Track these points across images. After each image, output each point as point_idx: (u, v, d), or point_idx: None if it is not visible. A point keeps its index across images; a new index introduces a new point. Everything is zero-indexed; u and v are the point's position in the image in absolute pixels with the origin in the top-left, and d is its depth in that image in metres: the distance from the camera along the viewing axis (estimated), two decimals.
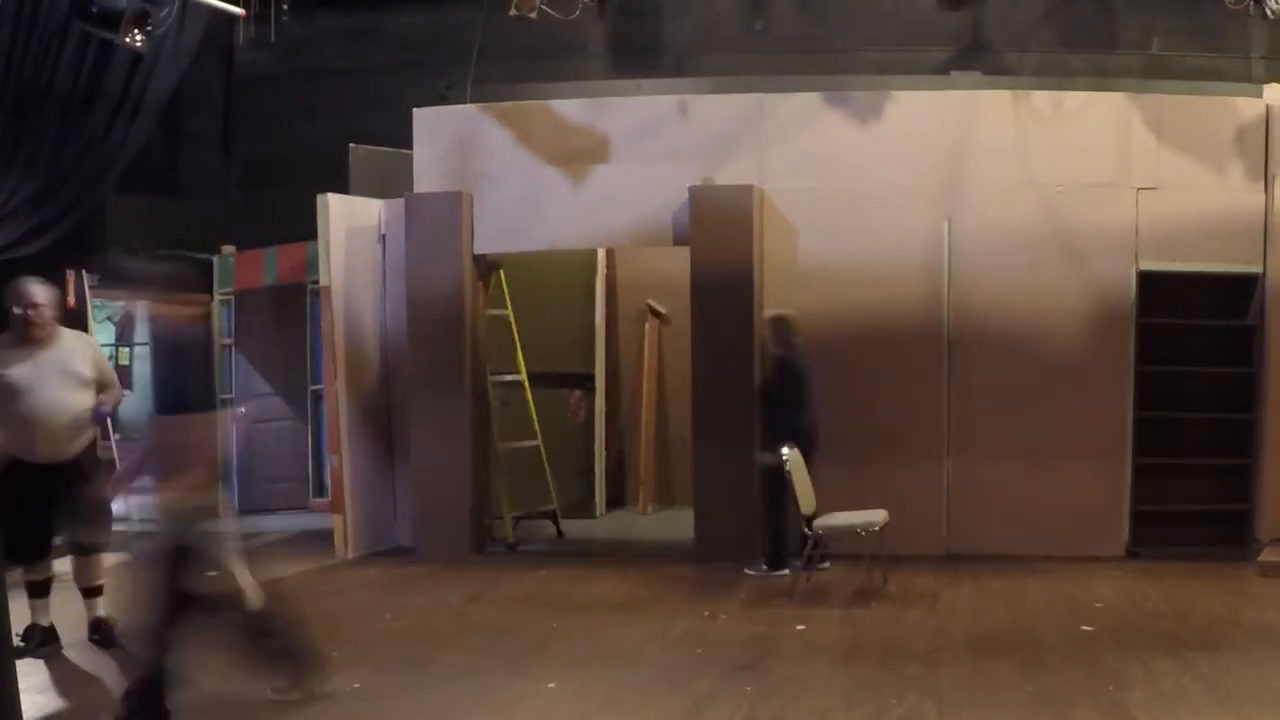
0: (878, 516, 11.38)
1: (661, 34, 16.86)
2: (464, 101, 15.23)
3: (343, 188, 14.28)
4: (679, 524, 14.22)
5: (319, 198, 13.77)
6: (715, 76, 16.21)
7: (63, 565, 9.74)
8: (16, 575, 8.88)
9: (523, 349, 14.76)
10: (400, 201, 13.99)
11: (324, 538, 14.05)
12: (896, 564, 11.94)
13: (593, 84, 16.36)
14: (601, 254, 15.92)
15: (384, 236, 14.35)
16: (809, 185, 13.25)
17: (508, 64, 16.39)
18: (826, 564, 12.05)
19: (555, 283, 15.74)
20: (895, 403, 13.07)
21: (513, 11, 14.14)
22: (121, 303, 18.80)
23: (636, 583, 12.02)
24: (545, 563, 12.84)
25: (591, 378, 15.90)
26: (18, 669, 6.51)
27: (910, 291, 13.08)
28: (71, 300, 14.05)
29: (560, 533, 14.59)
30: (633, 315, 16.52)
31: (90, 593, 9.65)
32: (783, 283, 13.19)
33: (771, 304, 13.04)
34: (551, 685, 8.54)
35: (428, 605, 11.19)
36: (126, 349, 19.25)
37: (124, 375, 18.87)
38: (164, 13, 12.38)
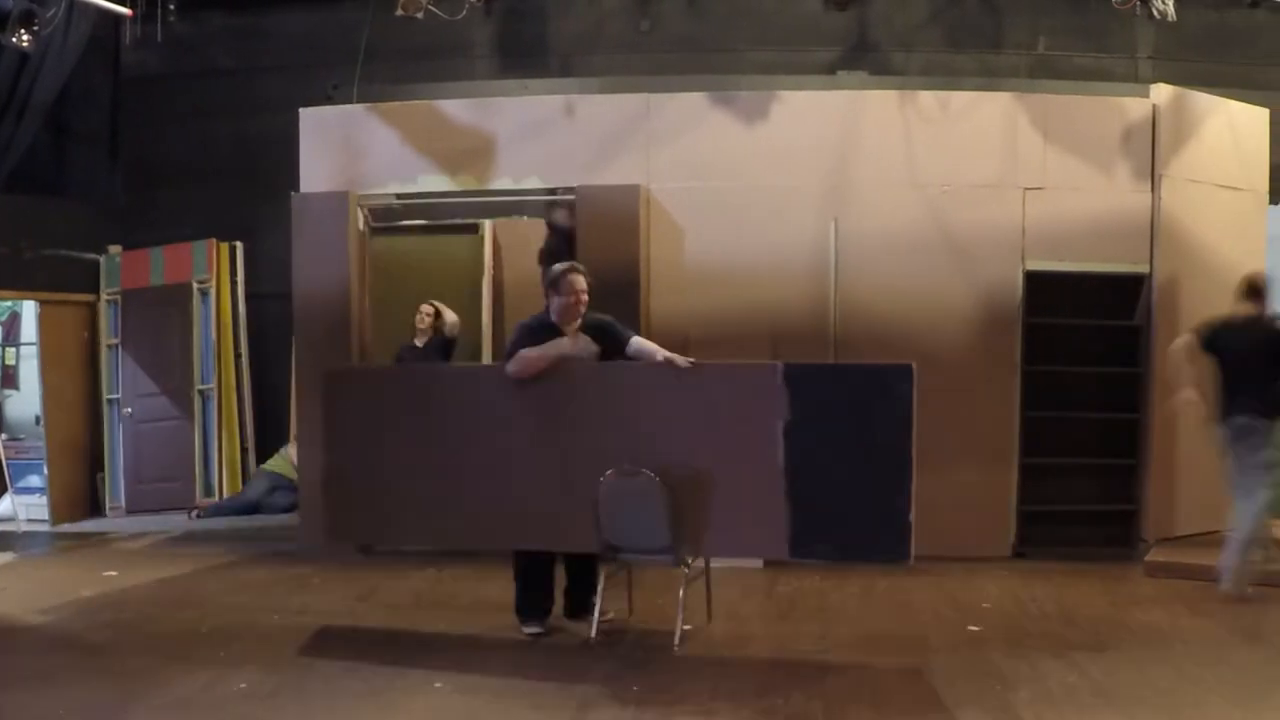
0: None
1: (548, 34, 16.81)
2: (351, 101, 15.08)
3: (237, 186, 14.16)
4: None
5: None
6: (602, 76, 16.15)
7: None
8: None
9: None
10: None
11: (210, 538, 14.01)
12: (782, 566, 11.91)
13: (479, 84, 16.30)
14: (489, 255, 15.76)
15: None
16: (695, 185, 13.13)
17: (395, 64, 16.33)
18: None
19: (442, 283, 15.53)
20: None
21: (399, 12, 14.14)
22: (9, 302, 18.47)
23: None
24: (434, 563, 12.66)
25: None
26: None
27: (797, 292, 12.96)
28: None
29: None
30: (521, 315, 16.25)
31: None
32: (669, 283, 13.05)
33: (657, 304, 12.96)
34: (439, 685, 8.47)
35: (316, 605, 11.02)
36: (13, 349, 18.92)
37: (12, 375, 18.82)
38: (50, 13, 12.23)
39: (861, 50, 15.98)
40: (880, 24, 16.03)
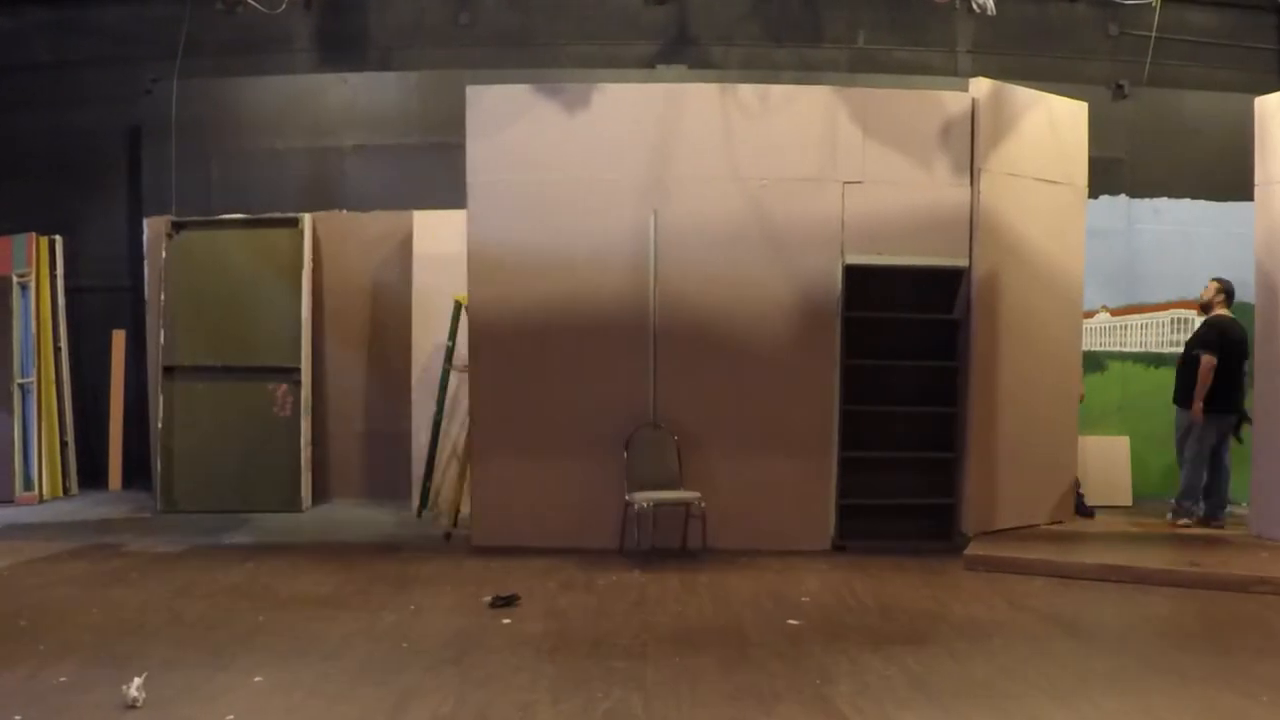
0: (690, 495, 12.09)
1: (368, 27, 16.62)
2: (171, 95, 14.85)
3: (57, 180, 13.87)
4: (382, 519, 14.39)
5: None
6: (421, 70, 16.03)
7: None
8: None
9: (228, 341, 14.79)
10: None
11: (29, 531, 13.78)
12: (602, 558, 11.99)
13: (300, 78, 16.17)
14: (308, 248, 15.51)
15: None
16: (516, 177, 12.95)
17: (215, 58, 16.16)
18: None
19: (261, 275, 15.38)
20: (601, 395, 12.86)
21: (219, 5, 13.95)
22: None
23: (344, 576, 11.74)
24: (253, 556, 12.50)
25: (298, 370, 15.45)
26: None
27: (617, 284, 12.84)
28: None
29: None
30: (340, 307, 16.11)
31: None
32: (490, 274, 12.85)
33: (477, 295, 12.78)
34: (258, 678, 8.26)
35: (135, 599, 10.72)
36: None
37: None
38: None
39: (681, 44, 15.95)
40: (700, 18, 16.02)
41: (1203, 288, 14.36)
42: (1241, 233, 14.19)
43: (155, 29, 16.23)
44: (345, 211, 15.54)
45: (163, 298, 15.23)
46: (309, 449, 15.58)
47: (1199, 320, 14.48)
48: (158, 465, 15.25)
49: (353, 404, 16.00)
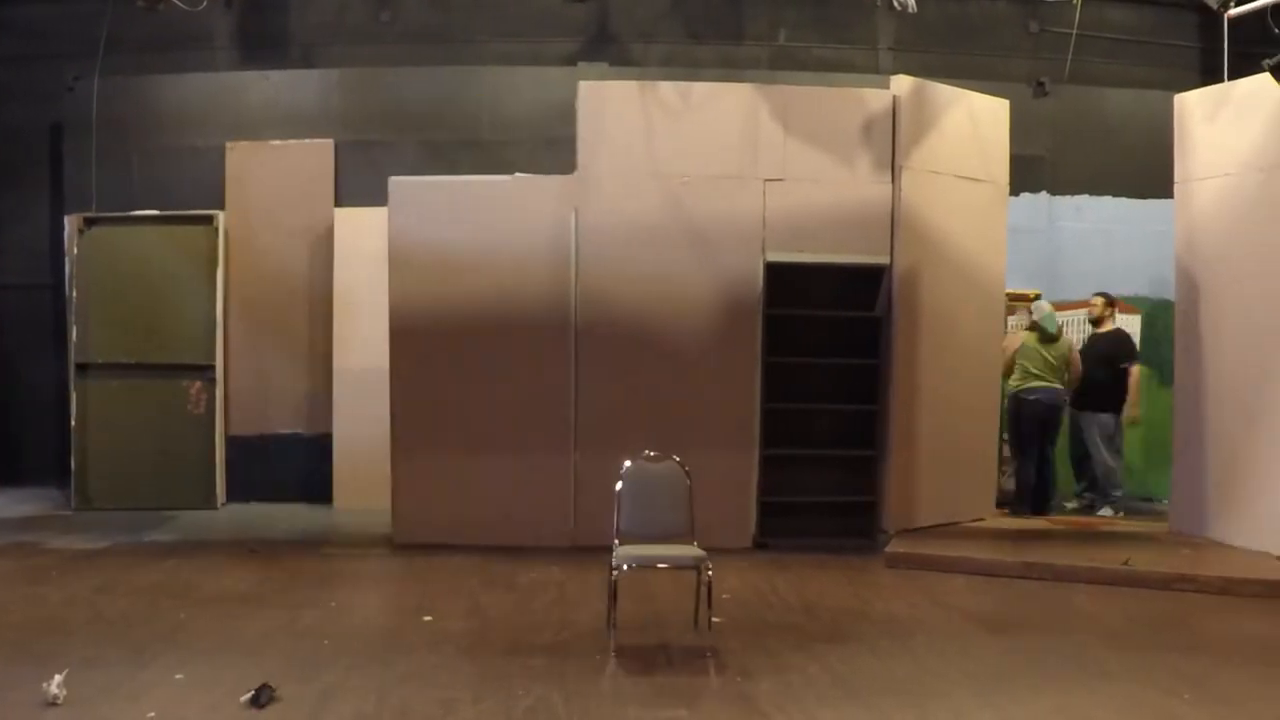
0: None
1: (289, 25, 16.50)
2: (92, 92, 14.75)
3: None
4: (301, 517, 14.37)
5: None
6: (342, 68, 15.96)
7: None
8: None
9: (142, 339, 14.75)
10: None
11: None
12: (523, 555, 11.97)
13: (222, 75, 16.09)
14: (223, 245, 15.39)
15: None
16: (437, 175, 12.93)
17: (136, 56, 16.02)
18: None
19: (176, 273, 15.27)
20: (523, 394, 12.85)
21: (140, 3, 13.87)
22: None
23: (265, 574, 11.66)
24: (174, 553, 12.43)
25: (212, 368, 15.33)
26: None
27: (538, 281, 12.81)
28: None
29: None
30: (260, 304, 15.99)
31: None
32: (413, 273, 12.79)
33: (398, 293, 12.74)
34: (179, 676, 8.17)
35: (56, 596, 10.62)
36: None
37: None
38: None
39: (602, 41, 15.91)
40: (620, 15, 16.00)
41: (1091, 297, 15.28)
42: (1161, 230, 14.26)
43: (77, 26, 16.05)
44: (265, 207, 15.43)
45: (74, 295, 15.09)
46: (225, 447, 15.49)
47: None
48: (73, 463, 15.09)
49: (271, 401, 15.84)
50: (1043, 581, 11.41)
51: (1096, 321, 15.11)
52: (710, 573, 9.17)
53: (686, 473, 9.63)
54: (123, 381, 15.17)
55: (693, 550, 9.34)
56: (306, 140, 15.78)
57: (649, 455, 9.68)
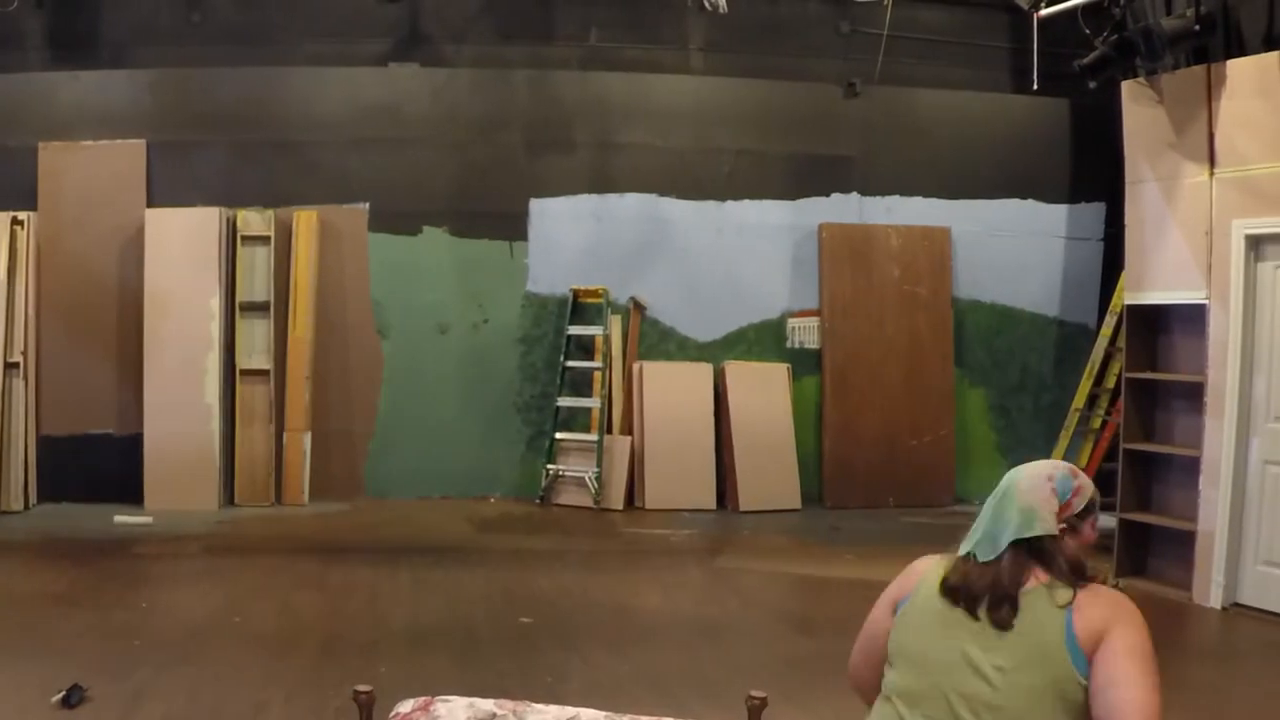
0: None
1: (99, 26, 16.32)
2: None
3: None
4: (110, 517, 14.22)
5: None
6: (153, 69, 15.86)
7: None
8: None
9: None
10: None
11: None
12: (336, 555, 12.13)
13: (32, 76, 15.92)
14: (32, 243, 15.21)
15: None
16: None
17: None
18: None
19: None
20: None
21: None
22: None
23: (76, 574, 11.58)
24: None
25: (18, 365, 15.06)
26: None
27: None
28: None
29: None
30: (69, 304, 15.80)
31: None
32: None
33: None
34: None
35: None
36: None
37: None
38: None
39: (413, 42, 15.90)
40: (431, 16, 15.99)
41: None
42: (976, 231, 14.48)
43: None
44: (77, 207, 15.30)
45: None
46: (28, 448, 15.18)
47: None
48: None
49: (78, 401, 15.61)
50: None
51: None
52: None
53: None
54: None
55: None
56: (118, 141, 15.63)
57: None
